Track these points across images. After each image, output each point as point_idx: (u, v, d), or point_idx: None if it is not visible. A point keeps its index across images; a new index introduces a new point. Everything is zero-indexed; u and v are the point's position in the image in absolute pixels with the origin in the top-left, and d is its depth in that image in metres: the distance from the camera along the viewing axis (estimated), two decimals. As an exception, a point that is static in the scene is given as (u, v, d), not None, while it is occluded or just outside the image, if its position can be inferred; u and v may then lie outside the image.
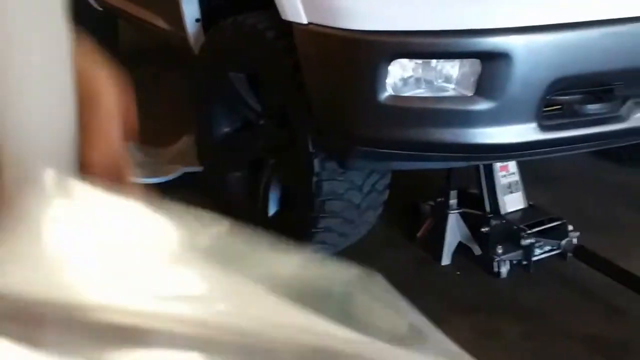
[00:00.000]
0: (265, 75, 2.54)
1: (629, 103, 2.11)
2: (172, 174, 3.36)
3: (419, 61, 2.03)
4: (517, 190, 2.61)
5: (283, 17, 2.23)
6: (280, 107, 2.52)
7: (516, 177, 2.65)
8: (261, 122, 2.72)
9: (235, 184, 2.90)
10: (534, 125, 2.06)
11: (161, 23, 3.46)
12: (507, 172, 2.65)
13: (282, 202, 2.65)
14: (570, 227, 2.54)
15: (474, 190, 2.65)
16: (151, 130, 3.91)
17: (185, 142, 3.58)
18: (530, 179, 2.72)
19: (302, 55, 2.21)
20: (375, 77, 2.03)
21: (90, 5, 4.53)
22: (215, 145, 2.88)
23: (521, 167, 2.64)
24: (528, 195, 2.65)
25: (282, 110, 2.52)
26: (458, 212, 2.59)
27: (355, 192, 2.37)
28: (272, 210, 2.65)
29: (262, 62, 2.50)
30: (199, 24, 3.03)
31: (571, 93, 2.08)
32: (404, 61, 2.03)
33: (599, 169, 3.32)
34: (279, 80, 2.44)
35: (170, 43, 3.64)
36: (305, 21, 2.16)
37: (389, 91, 2.06)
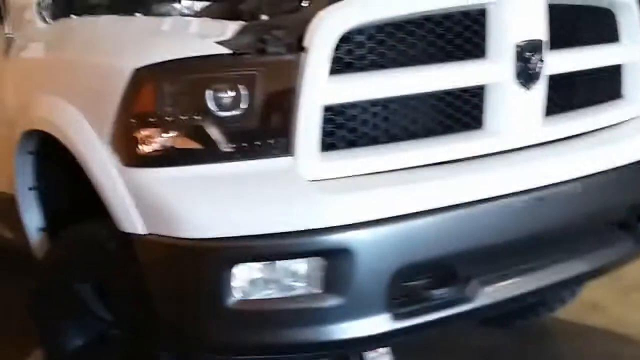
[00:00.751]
0: (110, 285, 2.41)
1: (473, 282, 2.12)
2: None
3: (265, 262, 1.98)
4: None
5: (120, 228, 2.15)
6: (130, 316, 2.40)
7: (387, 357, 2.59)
8: (113, 332, 2.56)
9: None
10: (386, 315, 2.02)
11: (4, 233, 3.31)
12: (377, 354, 2.58)
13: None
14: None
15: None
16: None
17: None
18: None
19: (145, 265, 2.12)
20: (220, 283, 1.96)
21: None
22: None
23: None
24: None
25: (133, 320, 2.40)
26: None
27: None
28: None
29: (106, 272, 2.38)
30: (42, 233, 2.90)
31: (417, 279, 2.07)
32: (250, 264, 1.98)
33: (467, 332, 3.32)
34: (125, 291, 2.32)
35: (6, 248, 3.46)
36: (143, 232, 2.09)
37: (236, 296, 1.98)
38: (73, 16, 2.64)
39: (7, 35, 2.76)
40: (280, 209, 1.96)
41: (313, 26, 1.99)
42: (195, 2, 2.72)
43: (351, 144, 2.10)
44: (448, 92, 2.18)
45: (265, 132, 2.03)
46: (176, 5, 2.73)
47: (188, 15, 2.68)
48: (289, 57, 2.01)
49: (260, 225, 1.95)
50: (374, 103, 2.11)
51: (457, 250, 2.06)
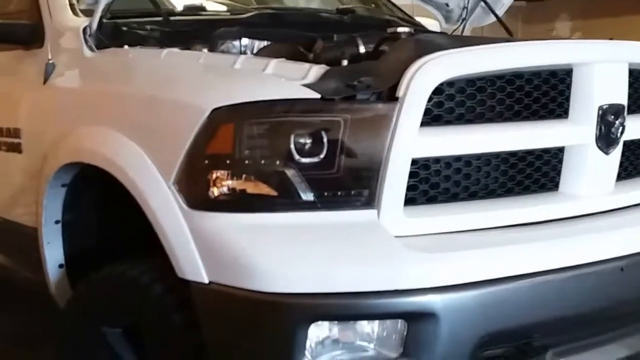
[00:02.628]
0: (148, 333, 2.23)
1: (549, 354, 1.99)
2: None
3: (341, 322, 1.83)
4: None
5: (179, 275, 1.98)
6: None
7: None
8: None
9: None
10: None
11: (13, 266, 3.09)
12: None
13: None
14: None
15: None
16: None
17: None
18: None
19: (203, 316, 1.95)
20: (293, 342, 1.80)
21: None
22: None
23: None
24: None
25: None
26: None
27: None
28: None
29: (147, 318, 2.20)
30: (62, 270, 2.70)
31: (494, 348, 1.94)
32: (324, 323, 1.83)
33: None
34: (167, 339, 2.14)
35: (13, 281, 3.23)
36: (206, 280, 1.92)
37: (306, 356, 1.83)
38: (126, 46, 2.49)
39: (49, 62, 2.59)
40: (364, 267, 1.81)
41: (409, 75, 1.88)
42: (255, 42, 2.60)
43: (431, 200, 1.98)
44: (529, 151, 2.08)
45: (348, 182, 1.89)
46: (235, 43, 2.60)
47: (245, 53, 2.55)
48: (379, 105, 1.89)
49: (341, 283, 1.80)
50: (457, 158, 1.99)
51: (538, 319, 1.94)
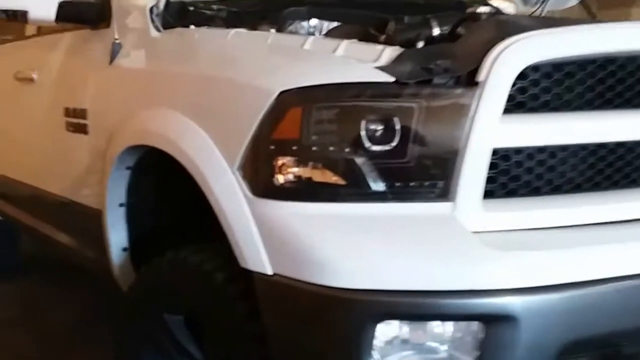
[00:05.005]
0: (210, 321, 2.12)
1: (637, 363, 1.80)
2: None
3: (413, 322, 1.68)
4: None
5: (241, 265, 1.86)
6: (227, 357, 2.10)
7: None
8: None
9: None
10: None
11: (77, 246, 3.03)
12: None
13: None
14: None
15: None
16: (55, 355, 3.37)
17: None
18: None
19: (266, 308, 1.82)
20: (361, 340, 1.66)
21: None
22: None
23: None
24: None
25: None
26: None
27: None
28: None
29: (208, 306, 2.09)
30: (126, 253, 2.61)
31: (578, 356, 1.76)
32: (394, 322, 1.68)
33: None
34: (228, 329, 2.02)
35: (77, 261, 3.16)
36: (269, 272, 1.79)
37: (374, 357, 1.68)
38: (192, 27, 2.37)
39: (115, 41, 2.49)
40: (439, 264, 1.65)
41: (492, 58, 1.70)
42: (325, 23, 2.44)
43: (510, 193, 1.80)
44: (621, 143, 1.87)
45: (422, 172, 1.73)
46: (304, 23, 2.45)
47: (313, 34, 2.40)
48: (458, 90, 1.72)
49: (414, 280, 1.64)
50: (541, 149, 1.81)
51: (628, 325, 1.75)
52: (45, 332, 3.64)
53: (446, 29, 2.14)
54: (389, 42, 2.12)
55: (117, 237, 2.59)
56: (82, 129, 2.73)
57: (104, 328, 3.53)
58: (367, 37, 2.20)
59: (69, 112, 2.82)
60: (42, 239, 3.43)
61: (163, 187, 2.50)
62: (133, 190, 2.51)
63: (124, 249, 2.61)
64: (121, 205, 2.54)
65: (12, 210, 3.75)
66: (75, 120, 2.77)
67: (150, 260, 2.38)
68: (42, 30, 3.38)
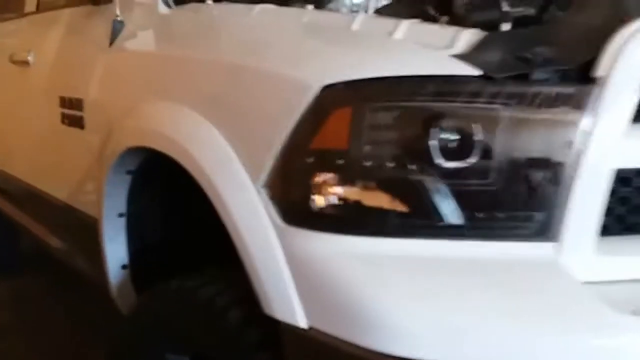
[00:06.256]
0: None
1: None
2: None
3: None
4: None
5: (266, 312, 1.41)
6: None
7: None
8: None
9: None
10: None
11: (71, 255, 2.59)
12: None
13: None
14: None
15: None
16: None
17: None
18: None
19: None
20: None
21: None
22: None
23: None
24: None
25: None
26: None
27: None
28: None
29: (219, 351, 1.64)
30: (126, 271, 2.17)
31: None
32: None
33: None
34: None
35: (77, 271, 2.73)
36: (304, 325, 1.33)
37: None
38: (209, 1, 1.90)
39: (116, 19, 2.03)
40: (543, 333, 1.18)
41: (615, 46, 1.22)
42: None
43: (630, 229, 1.33)
44: None
45: (512, 200, 1.26)
46: (346, 0, 1.98)
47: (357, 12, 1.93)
48: (566, 89, 1.25)
49: (509, 355, 1.18)
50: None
51: None
52: (39, 339, 3.24)
53: (532, 8, 1.66)
54: (457, 23, 1.64)
55: (115, 252, 2.14)
56: (78, 123, 2.28)
57: (102, 338, 3.13)
58: (425, 18, 1.73)
59: (64, 102, 2.38)
60: (37, 240, 3.01)
61: (171, 195, 2.05)
62: (135, 198, 2.06)
63: (124, 266, 2.16)
64: (120, 215, 2.10)
65: (7, 207, 3.32)
66: (70, 112, 2.32)
67: (153, 283, 1.93)
68: (41, 6, 2.94)
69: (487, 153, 1.26)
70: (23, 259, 4.11)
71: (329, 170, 1.31)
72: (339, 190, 1.31)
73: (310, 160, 1.33)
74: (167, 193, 2.06)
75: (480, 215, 1.27)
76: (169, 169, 1.77)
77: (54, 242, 2.73)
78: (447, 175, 1.27)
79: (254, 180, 1.40)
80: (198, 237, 2.06)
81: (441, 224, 1.27)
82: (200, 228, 2.04)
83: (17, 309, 3.63)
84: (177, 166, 1.67)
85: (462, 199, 1.27)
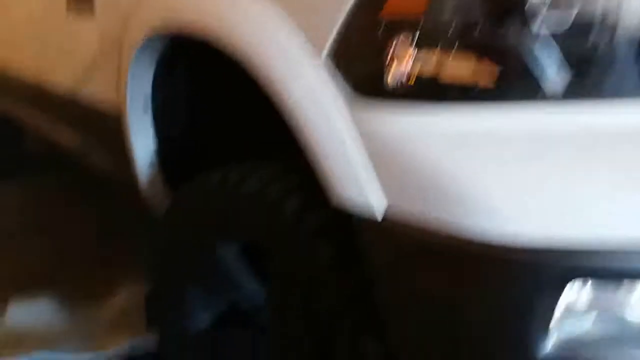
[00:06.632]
0: (279, 262, 1.55)
1: None
2: (113, 348, 2.27)
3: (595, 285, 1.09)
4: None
5: (335, 201, 1.26)
6: (303, 305, 1.55)
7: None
8: (263, 318, 1.71)
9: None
10: None
11: (92, 156, 2.44)
12: None
13: None
14: None
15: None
16: (70, 270, 2.86)
17: (128, 297, 2.50)
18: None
19: (372, 264, 1.24)
20: (533, 311, 1.08)
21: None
22: (185, 341, 1.85)
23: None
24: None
25: (305, 313, 1.55)
26: None
27: None
28: None
29: (276, 242, 1.51)
30: (154, 168, 2.01)
31: None
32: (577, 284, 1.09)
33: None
34: (304, 278, 1.46)
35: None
36: (380, 213, 1.19)
37: (551, 333, 1.10)
38: None
39: None
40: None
41: None
42: None
43: None
44: None
45: (619, 60, 1.10)
46: None
47: None
48: None
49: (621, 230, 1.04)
50: None
51: None
52: (57, 243, 3.12)
53: None
54: None
55: (142, 147, 1.99)
56: (86, 9, 2.07)
57: (124, 241, 3.02)
58: None
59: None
60: (47, 140, 2.84)
61: (203, 82, 1.88)
62: (161, 88, 1.89)
63: (152, 163, 2.01)
64: (146, 109, 1.93)
65: (14, 106, 3.13)
66: (77, -3, 2.11)
67: (184, 179, 1.79)
68: None
69: (587, 9, 1.09)
70: (31, 161, 3.95)
71: (407, 30, 1.13)
72: (421, 54, 1.14)
73: (385, 22, 1.15)
74: (195, 80, 1.89)
75: (593, 76, 1.10)
76: (200, 52, 1.60)
77: (68, 140, 2.57)
78: (545, 36, 1.09)
79: (318, 49, 1.22)
80: (230, 128, 1.90)
81: (543, 90, 1.10)
82: (232, 118, 1.89)
83: (30, 212, 3.49)
84: (207, 52, 1.50)
85: (563, 61, 1.10)
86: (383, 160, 1.17)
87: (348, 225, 1.27)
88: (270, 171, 1.55)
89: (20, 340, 2.30)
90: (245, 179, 1.56)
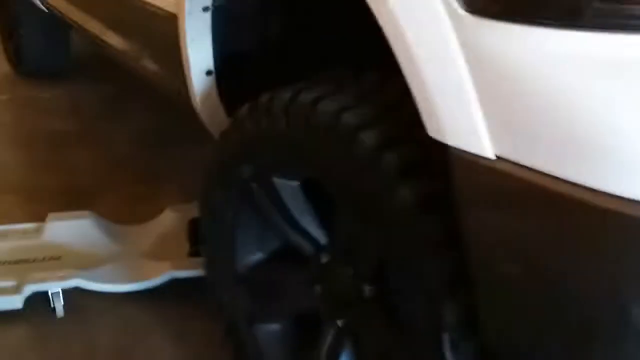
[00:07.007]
0: (352, 202, 1.35)
1: None
2: (154, 279, 2.13)
3: None
4: None
5: (433, 135, 1.04)
6: (373, 257, 1.36)
7: None
8: (323, 259, 1.53)
9: (270, 341, 1.72)
10: None
11: (142, 60, 2.24)
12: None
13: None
14: None
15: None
16: (110, 188, 2.71)
17: (170, 220, 2.34)
18: None
19: (475, 213, 1.04)
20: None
21: (34, 5, 3.27)
22: (236, 277, 1.69)
23: None
24: None
25: (374, 261, 1.36)
26: None
27: None
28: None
29: (345, 178, 1.31)
30: (211, 77, 1.81)
31: None
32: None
33: None
34: (382, 221, 1.26)
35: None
36: (490, 153, 0.98)
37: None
38: None
39: None
40: None
41: None
42: None
43: None
44: None
45: None
46: None
47: None
48: None
49: None
50: None
51: None
52: (102, 151, 2.98)
53: None
54: None
55: (198, 54, 1.78)
56: None
57: (174, 159, 2.86)
58: None
59: None
60: (95, 42, 2.64)
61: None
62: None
63: (208, 72, 1.81)
64: (205, 9, 1.71)
65: (62, 5, 2.93)
66: None
67: (245, 95, 1.58)
68: None
69: None
70: (78, 64, 3.78)
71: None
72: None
73: None
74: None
75: None
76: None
77: (118, 43, 2.38)
78: None
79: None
80: (303, 38, 1.68)
81: None
82: (308, 27, 1.67)
83: (77, 119, 3.35)
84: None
85: None
86: (493, 89, 0.95)
87: (439, 163, 1.07)
88: (347, 97, 1.33)
89: (56, 260, 2.17)
90: (318, 103, 1.34)
